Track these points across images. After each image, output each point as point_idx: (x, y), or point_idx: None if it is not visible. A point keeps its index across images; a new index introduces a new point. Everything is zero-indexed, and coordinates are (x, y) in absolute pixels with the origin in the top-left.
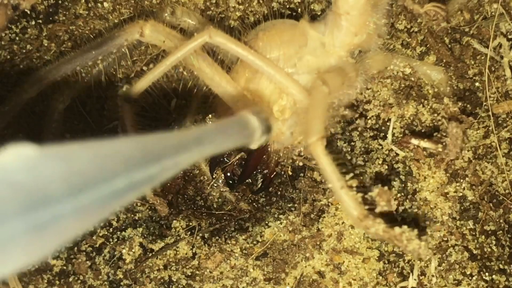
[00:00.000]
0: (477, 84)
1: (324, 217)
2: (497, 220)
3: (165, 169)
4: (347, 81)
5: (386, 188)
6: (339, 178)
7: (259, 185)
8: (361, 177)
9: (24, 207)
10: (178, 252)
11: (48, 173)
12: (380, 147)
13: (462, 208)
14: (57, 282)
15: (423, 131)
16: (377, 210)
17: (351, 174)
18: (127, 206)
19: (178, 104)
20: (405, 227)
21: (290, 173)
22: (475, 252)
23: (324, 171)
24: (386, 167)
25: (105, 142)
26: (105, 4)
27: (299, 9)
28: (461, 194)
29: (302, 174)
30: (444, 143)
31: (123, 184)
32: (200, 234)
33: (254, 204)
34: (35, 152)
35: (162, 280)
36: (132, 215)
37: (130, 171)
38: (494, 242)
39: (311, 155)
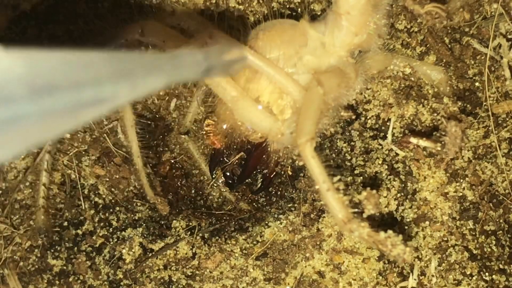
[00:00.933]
0: (477, 84)
1: (324, 217)
2: (497, 220)
3: (134, 88)
4: (344, 82)
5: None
6: (325, 180)
7: (259, 185)
8: (360, 177)
9: None
10: (178, 252)
11: (10, 73)
12: (380, 147)
13: (462, 208)
14: (57, 282)
15: (423, 131)
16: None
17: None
18: (127, 205)
19: (178, 104)
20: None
21: (290, 173)
22: (475, 252)
23: (311, 173)
24: (386, 167)
25: (76, 53)
26: (105, 4)
27: (299, 9)
28: (461, 194)
29: (302, 174)
30: (443, 142)
31: (90, 96)
32: (200, 234)
33: (254, 204)
34: None
35: (162, 280)
36: (132, 215)
37: (99, 83)
38: (494, 242)
39: (300, 155)
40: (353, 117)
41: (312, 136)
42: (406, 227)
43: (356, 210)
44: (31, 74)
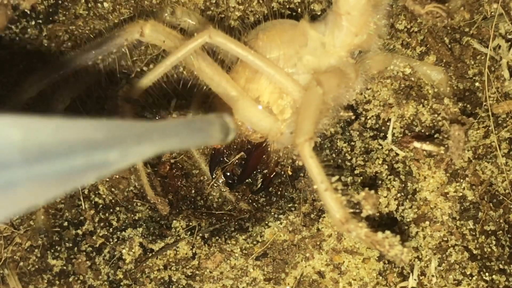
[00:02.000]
0: (477, 84)
1: (324, 217)
2: (497, 220)
3: (125, 156)
4: (344, 82)
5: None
6: (323, 180)
7: (259, 185)
8: (361, 177)
9: None
10: (178, 252)
11: (4, 139)
12: (380, 147)
13: (462, 208)
14: (57, 282)
15: (423, 131)
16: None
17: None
18: (127, 205)
19: (178, 104)
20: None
21: (290, 173)
22: (475, 252)
23: (309, 172)
24: (386, 167)
25: (67, 120)
26: (105, 4)
27: (299, 9)
28: (461, 194)
29: (302, 174)
30: (446, 146)
31: (81, 163)
32: (200, 234)
33: (254, 204)
34: None
35: (162, 280)
36: (132, 215)
37: (90, 151)
38: (494, 242)
39: (298, 155)
40: (353, 117)
41: (311, 136)
42: (406, 227)
43: (354, 210)
44: (25, 141)
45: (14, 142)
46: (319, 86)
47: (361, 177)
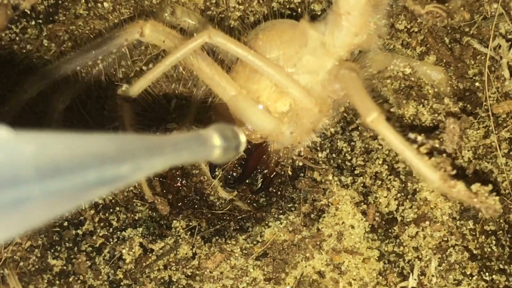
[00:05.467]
0: (477, 84)
1: (324, 217)
2: (497, 220)
3: (136, 170)
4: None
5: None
6: (409, 147)
7: (259, 185)
8: (361, 177)
9: None
10: (178, 252)
11: (19, 155)
12: (380, 147)
13: (462, 208)
14: (57, 282)
15: (423, 131)
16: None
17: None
18: (127, 205)
19: (178, 104)
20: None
21: (290, 173)
22: (475, 252)
23: (392, 144)
24: (386, 167)
25: (80, 135)
26: (105, 4)
27: (299, 9)
28: None
29: (302, 174)
30: (441, 139)
31: (93, 178)
32: (200, 234)
33: (254, 204)
34: (9, 134)
35: (162, 280)
36: (132, 215)
37: (102, 166)
38: (494, 242)
39: (374, 131)
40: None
41: (380, 110)
42: (406, 227)
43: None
44: (39, 157)
45: (28, 158)
46: (353, 72)
47: (361, 177)
